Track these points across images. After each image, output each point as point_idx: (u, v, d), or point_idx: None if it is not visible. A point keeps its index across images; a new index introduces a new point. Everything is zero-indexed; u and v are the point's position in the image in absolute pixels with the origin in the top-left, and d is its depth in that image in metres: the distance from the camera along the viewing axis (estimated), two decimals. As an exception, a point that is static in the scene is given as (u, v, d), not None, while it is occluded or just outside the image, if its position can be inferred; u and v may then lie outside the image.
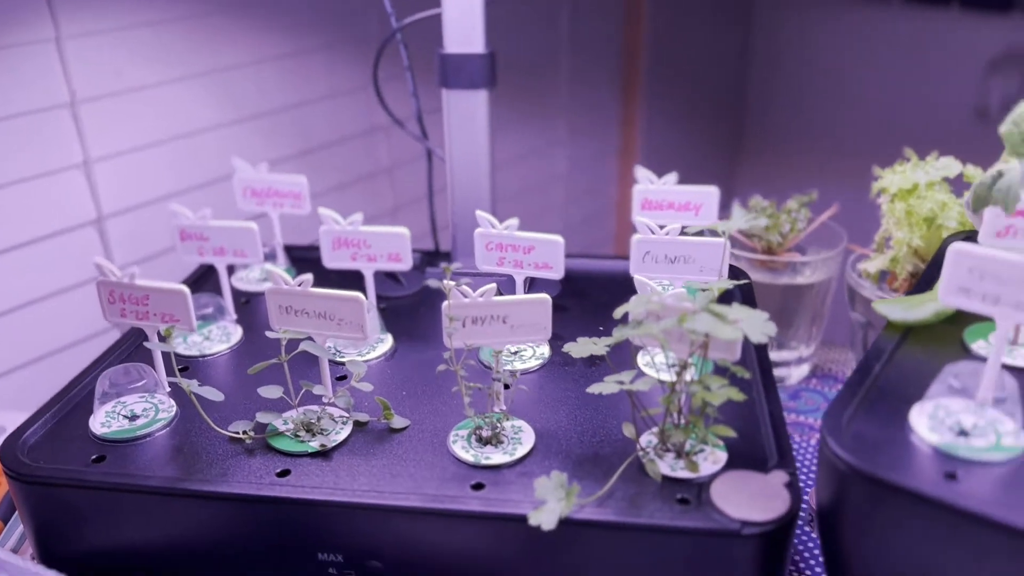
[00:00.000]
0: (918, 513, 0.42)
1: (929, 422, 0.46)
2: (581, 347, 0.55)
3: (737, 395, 0.51)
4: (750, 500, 0.49)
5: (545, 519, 0.47)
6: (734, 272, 0.77)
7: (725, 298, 0.74)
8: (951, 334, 0.55)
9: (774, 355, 0.87)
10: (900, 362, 0.53)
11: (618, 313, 0.53)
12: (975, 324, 0.55)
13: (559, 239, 0.65)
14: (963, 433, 0.46)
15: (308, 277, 0.57)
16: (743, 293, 0.74)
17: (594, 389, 0.51)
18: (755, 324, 0.48)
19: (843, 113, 1.83)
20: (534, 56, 1.44)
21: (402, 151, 1.19)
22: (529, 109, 1.47)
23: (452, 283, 0.54)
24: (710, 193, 0.73)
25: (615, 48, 1.62)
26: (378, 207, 1.19)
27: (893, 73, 1.76)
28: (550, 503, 0.48)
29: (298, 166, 1.04)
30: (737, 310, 0.49)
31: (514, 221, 0.66)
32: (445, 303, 0.55)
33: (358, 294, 0.56)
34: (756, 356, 0.64)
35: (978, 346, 0.54)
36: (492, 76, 0.73)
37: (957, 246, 0.47)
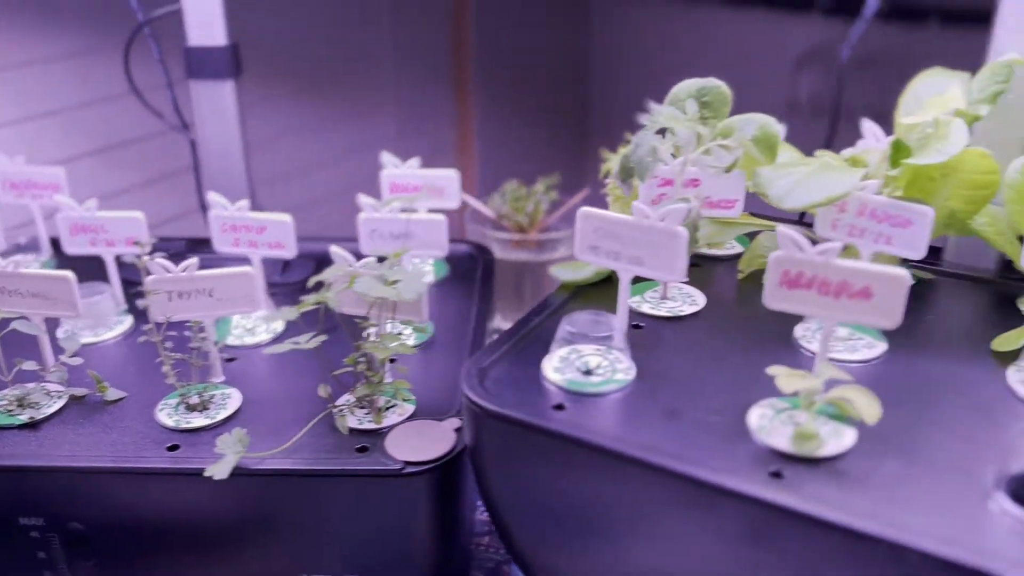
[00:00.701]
0: (531, 442, 0.48)
1: (559, 364, 0.52)
2: (284, 314, 0.59)
3: (408, 349, 0.56)
4: (419, 444, 0.54)
5: (219, 470, 0.51)
6: (480, 248, 0.83)
7: (468, 271, 0.79)
8: (614, 292, 0.62)
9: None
10: (562, 316, 0.59)
11: (311, 282, 0.58)
12: (635, 284, 0.62)
13: (288, 218, 0.69)
14: (588, 372, 0.52)
15: (19, 258, 0.59)
16: (485, 267, 0.80)
17: (269, 350, 0.56)
18: (410, 285, 0.53)
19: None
20: (357, 54, 1.48)
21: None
22: (354, 108, 1.50)
23: (147, 258, 0.57)
24: (451, 176, 0.79)
25: (444, 45, 1.66)
26: (188, 204, 1.21)
27: (719, 70, 1.88)
28: (228, 456, 0.52)
29: (100, 163, 1.04)
30: (397, 272, 0.54)
31: (244, 202, 0.69)
32: (150, 277, 0.59)
33: (66, 273, 0.59)
34: (474, 324, 0.70)
35: (634, 301, 0.61)
36: (236, 67, 0.77)
37: (584, 210, 0.54)
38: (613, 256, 0.53)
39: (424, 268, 0.79)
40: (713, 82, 0.61)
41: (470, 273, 0.79)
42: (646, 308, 0.60)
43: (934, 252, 0.68)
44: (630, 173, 0.58)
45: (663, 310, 0.60)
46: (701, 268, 0.66)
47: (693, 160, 0.56)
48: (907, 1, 1.67)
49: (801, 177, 0.54)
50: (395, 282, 0.53)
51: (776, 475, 0.44)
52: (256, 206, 1.00)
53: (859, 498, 0.42)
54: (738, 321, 0.59)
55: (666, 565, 0.48)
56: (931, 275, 0.64)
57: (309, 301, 0.56)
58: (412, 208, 0.78)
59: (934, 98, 0.58)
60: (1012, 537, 0.40)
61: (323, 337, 0.55)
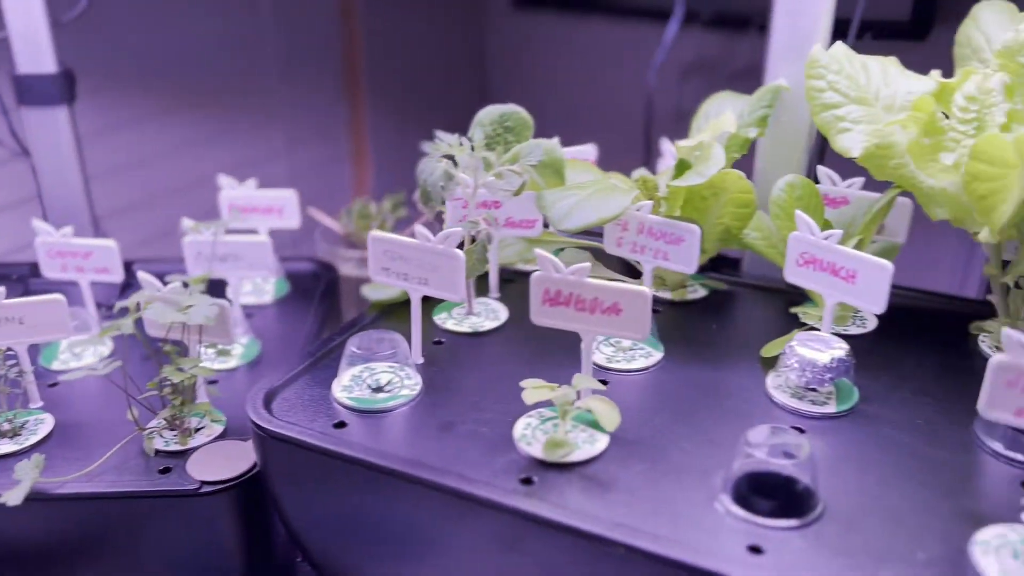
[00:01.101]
0: (309, 460, 0.50)
1: (349, 382, 0.55)
2: (88, 341, 0.60)
3: (206, 371, 0.58)
4: (220, 464, 0.56)
5: (13, 496, 0.52)
6: (324, 266, 0.85)
7: (310, 289, 0.81)
8: (424, 311, 0.64)
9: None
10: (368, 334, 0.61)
11: (116, 308, 0.59)
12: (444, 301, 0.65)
13: (112, 244, 0.69)
14: (379, 389, 0.54)
15: None
16: (327, 285, 0.82)
17: (64, 378, 0.57)
18: (200, 310, 0.55)
19: (571, 115, 1.98)
20: (239, 67, 1.47)
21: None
22: (238, 122, 1.50)
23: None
24: (289, 197, 0.80)
25: (333, 55, 1.67)
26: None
27: (612, 79, 1.93)
28: (24, 481, 0.53)
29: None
30: (192, 298, 0.56)
31: (69, 229, 0.70)
32: (-45, 308, 0.59)
33: None
34: (303, 342, 0.72)
35: (440, 318, 0.63)
36: (69, 93, 0.77)
37: (374, 233, 0.56)
38: (403, 277, 0.56)
39: (265, 287, 0.81)
40: (513, 108, 0.64)
41: (311, 291, 0.81)
42: (450, 324, 0.63)
43: (732, 263, 0.72)
44: (429, 197, 0.61)
45: (466, 326, 0.62)
46: (515, 283, 0.69)
47: (485, 184, 0.59)
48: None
49: (579, 200, 0.57)
50: (189, 307, 0.55)
51: (526, 482, 0.47)
52: (118, 228, 1.00)
53: (600, 501, 0.45)
54: (533, 335, 0.61)
55: (447, 572, 0.51)
56: (725, 285, 0.69)
57: (109, 328, 0.58)
58: (252, 229, 0.80)
59: (711, 121, 0.62)
60: (731, 535, 0.43)
61: (117, 363, 0.56)
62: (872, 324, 0.63)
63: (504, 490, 0.46)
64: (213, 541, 0.57)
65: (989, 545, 0.42)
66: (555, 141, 0.61)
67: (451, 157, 0.58)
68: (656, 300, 0.67)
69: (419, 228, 0.54)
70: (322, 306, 0.78)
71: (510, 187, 0.60)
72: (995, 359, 0.42)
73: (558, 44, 1.94)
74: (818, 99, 0.56)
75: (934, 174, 0.54)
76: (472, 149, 0.58)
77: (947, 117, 0.54)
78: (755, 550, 0.42)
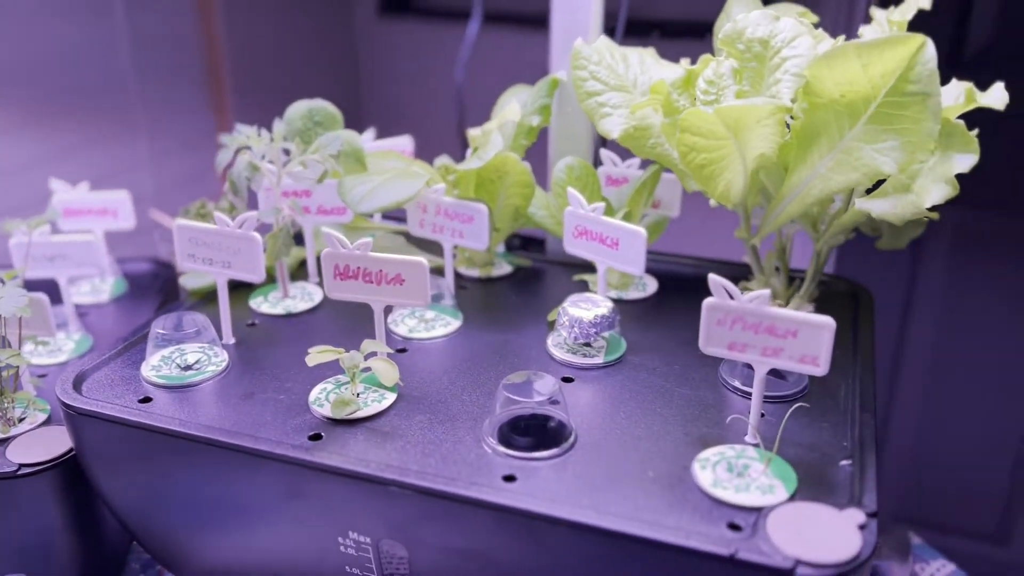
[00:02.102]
0: (117, 434, 0.54)
1: (159, 362, 0.58)
2: (-96, 340, 0.62)
3: (21, 360, 0.60)
4: (40, 449, 0.59)
5: None
6: (163, 265, 0.87)
7: (148, 287, 0.84)
8: (241, 298, 0.69)
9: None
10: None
11: (-67, 306, 0.61)
12: (261, 286, 0.69)
13: (-64, 249, 0.71)
14: (188, 367, 0.58)
15: None
16: (165, 282, 0.85)
17: None
18: (10, 301, 0.58)
19: (433, 115, 2.03)
20: (93, 76, 1.47)
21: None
22: (95, 133, 1.49)
23: None
24: (123, 199, 0.83)
25: (196, 61, 1.67)
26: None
27: (486, 83, 1.99)
28: None
29: None
30: (1, 291, 0.59)
31: None
32: None
33: None
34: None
35: (256, 302, 0.68)
36: None
37: (178, 222, 0.60)
38: (208, 262, 0.60)
39: (102, 286, 0.83)
40: (320, 103, 0.69)
41: (149, 289, 0.84)
42: (265, 307, 0.67)
43: (540, 243, 0.79)
44: (236, 187, 0.65)
45: (280, 308, 0.67)
46: (335, 269, 0.74)
47: (290, 173, 0.64)
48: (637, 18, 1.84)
49: (375, 185, 0.63)
50: (-2, 299, 0.58)
51: (315, 438, 0.51)
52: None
53: (379, 449, 0.50)
54: (344, 314, 0.66)
55: (253, 529, 0.55)
56: (530, 262, 0.75)
57: (-73, 323, 0.60)
58: (88, 231, 0.82)
59: (502, 111, 0.68)
60: (491, 469, 0.49)
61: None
62: (652, 289, 0.70)
63: (289, 445, 0.50)
64: (38, 524, 0.60)
65: (708, 461, 0.49)
66: (368, 133, 0.66)
67: (249, 148, 0.62)
68: (464, 278, 0.73)
69: (218, 214, 0.58)
70: (158, 303, 0.81)
71: (313, 176, 0.65)
72: (706, 301, 0.49)
73: (423, 49, 2.00)
74: (582, 87, 0.63)
75: (683, 151, 0.61)
76: (272, 140, 0.62)
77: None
78: (509, 479, 0.48)
